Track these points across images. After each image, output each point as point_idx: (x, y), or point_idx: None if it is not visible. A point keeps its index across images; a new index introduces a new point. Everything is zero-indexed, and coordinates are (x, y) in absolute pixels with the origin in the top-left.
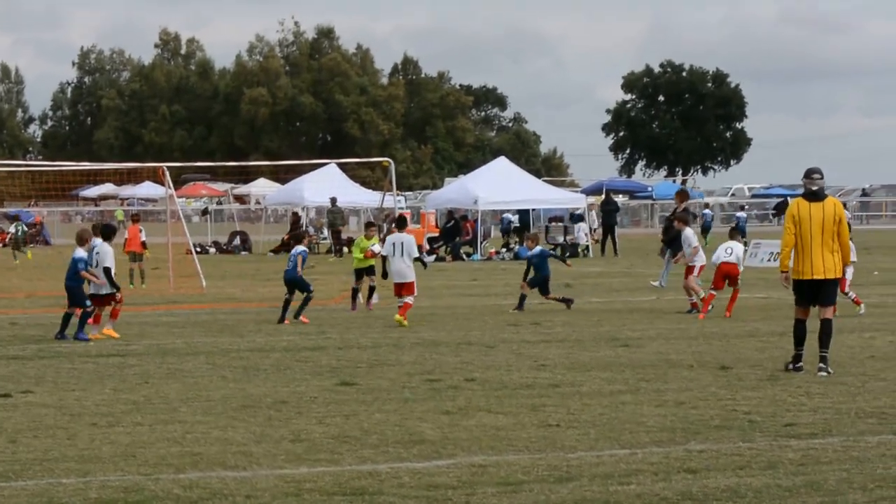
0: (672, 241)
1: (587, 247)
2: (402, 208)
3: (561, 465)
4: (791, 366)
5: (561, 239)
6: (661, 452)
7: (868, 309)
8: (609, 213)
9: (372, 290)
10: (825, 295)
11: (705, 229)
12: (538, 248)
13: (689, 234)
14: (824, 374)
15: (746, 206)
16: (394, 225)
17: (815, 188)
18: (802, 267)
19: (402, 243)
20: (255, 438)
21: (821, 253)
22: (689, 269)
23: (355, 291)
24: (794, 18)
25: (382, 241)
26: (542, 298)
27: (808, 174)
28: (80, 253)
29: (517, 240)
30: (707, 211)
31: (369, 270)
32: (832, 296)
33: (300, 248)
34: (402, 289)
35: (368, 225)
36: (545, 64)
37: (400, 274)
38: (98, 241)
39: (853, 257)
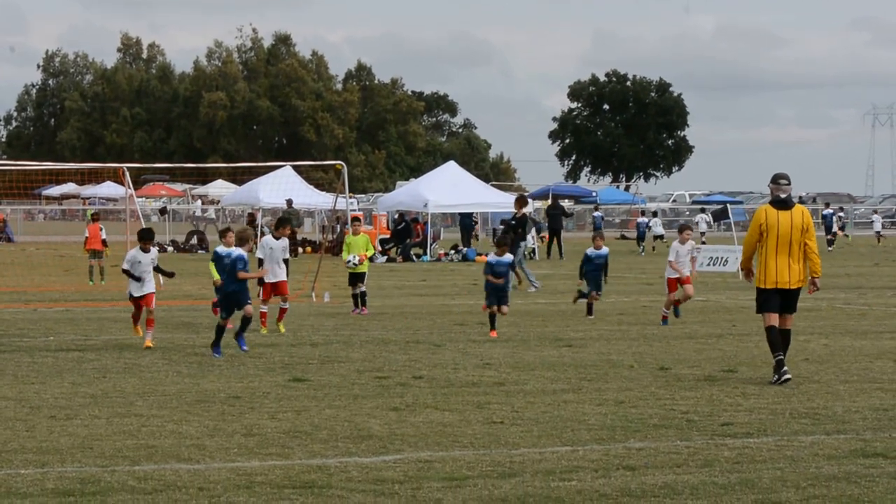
0: (399, 239)
1: (533, 249)
2: (354, 210)
3: (504, 461)
4: (776, 377)
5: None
6: (601, 450)
7: (803, 313)
8: (555, 217)
9: (363, 295)
10: (788, 304)
11: (641, 237)
12: (605, 249)
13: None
14: (788, 377)
15: (687, 212)
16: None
17: (783, 195)
18: (767, 275)
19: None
20: (209, 432)
21: (787, 262)
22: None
23: (356, 296)
24: (732, 31)
25: (332, 243)
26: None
27: (775, 180)
28: (239, 251)
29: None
30: (642, 219)
31: (361, 277)
32: (794, 305)
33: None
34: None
35: (354, 220)
36: (494, 72)
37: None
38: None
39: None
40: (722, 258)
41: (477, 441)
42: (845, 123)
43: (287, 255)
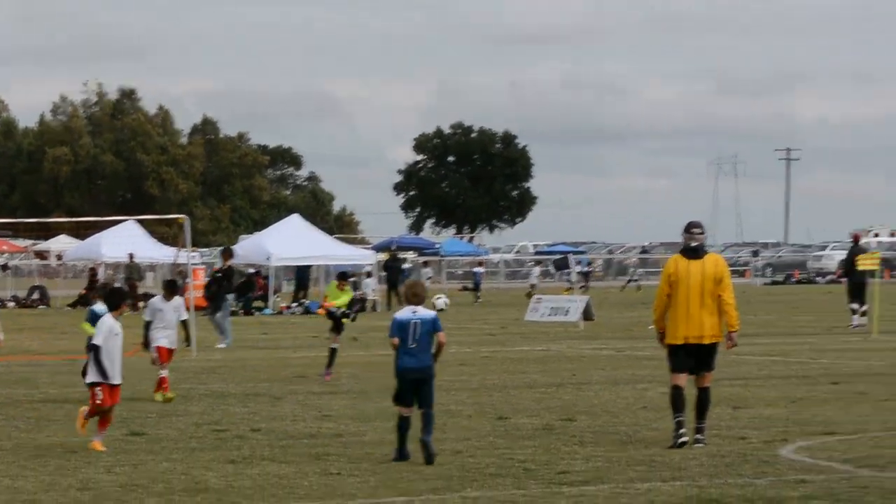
0: (240, 292)
1: (375, 301)
2: (196, 264)
3: None
4: (675, 439)
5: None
6: (437, 499)
7: (643, 361)
8: (393, 270)
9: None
10: (703, 361)
11: (476, 286)
12: None
13: None
14: (702, 445)
15: (525, 262)
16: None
17: (694, 244)
18: (679, 330)
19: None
20: (44, 487)
21: (698, 314)
22: None
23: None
24: (575, 83)
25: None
26: None
27: (688, 228)
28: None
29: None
30: (478, 269)
31: (340, 327)
32: (711, 362)
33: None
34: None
35: (341, 276)
36: (339, 126)
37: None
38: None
39: None
40: (563, 308)
41: (313, 492)
42: (690, 173)
43: (184, 316)
